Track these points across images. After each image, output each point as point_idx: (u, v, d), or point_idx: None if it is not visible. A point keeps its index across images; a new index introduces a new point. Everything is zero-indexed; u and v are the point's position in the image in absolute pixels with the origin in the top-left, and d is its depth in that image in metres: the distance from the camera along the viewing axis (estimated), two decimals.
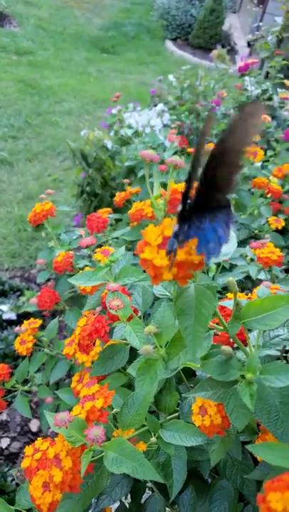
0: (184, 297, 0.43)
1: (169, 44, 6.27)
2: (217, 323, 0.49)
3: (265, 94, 2.07)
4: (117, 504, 0.81)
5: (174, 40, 6.44)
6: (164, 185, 1.40)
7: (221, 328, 0.48)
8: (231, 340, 0.52)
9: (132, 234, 1.08)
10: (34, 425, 1.55)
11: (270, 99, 2.12)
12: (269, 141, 1.73)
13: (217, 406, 0.59)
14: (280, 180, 1.49)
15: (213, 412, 0.59)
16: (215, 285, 0.43)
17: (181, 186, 0.46)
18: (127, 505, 0.79)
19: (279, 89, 2.19)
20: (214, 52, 3.23)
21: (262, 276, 0.95)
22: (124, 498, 0.79)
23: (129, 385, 0.78)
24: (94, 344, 0.64)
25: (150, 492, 0.78)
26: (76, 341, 0.64)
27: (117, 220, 1.53)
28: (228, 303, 0.54)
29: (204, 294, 0.42)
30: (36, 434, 1.52)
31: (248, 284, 1.17)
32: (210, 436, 0.59)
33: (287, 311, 0.45)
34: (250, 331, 0.54)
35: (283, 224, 1.25)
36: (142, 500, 0.77)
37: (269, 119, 1.79)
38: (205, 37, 6.04)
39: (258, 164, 1.30)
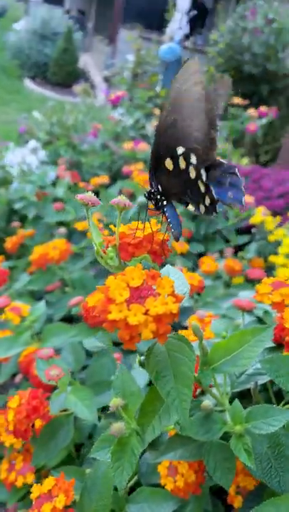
0: (154, 356, 0.37)
1: (28, 82, 6.23)
2: None
3: (138, 123, 2.13)
4: None
5: (33, 78, 6.42)
6: (62, 223, 1.29)
7: None
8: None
9: (37, 282, 0.97)
10: None
11: (143, 127, 2.20)
12: None
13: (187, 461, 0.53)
14: None
15: (185, 470, 0.52)
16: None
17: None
18: None
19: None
20: (79, 88, 3.30)
21: (189, 302, 0.93)
22: None
23: (73, 458, 0.67)
24: (33, 426, 0.53)
25: None
26: (11, 427, 0.52)
27: (11, 268, 1.39)
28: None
29: (178, 347, 0.36)
30: None
31: None
32: (185, 498, 0.53)
33: (256, 346, 0.42)
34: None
35: (186, 247, 1.27)
36: None
37: (146, 146, 1.84)
38: (62, 74, 6.15)
39: None
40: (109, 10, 7.36)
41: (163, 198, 0.40)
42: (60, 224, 1.20)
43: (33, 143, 2.24)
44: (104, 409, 0.65)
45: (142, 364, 0.42)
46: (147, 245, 0.36)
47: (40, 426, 0.53)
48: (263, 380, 0.46)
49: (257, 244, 1.69)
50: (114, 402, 0.39)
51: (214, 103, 0.36)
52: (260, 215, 1.73)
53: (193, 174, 0.38)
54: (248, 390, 0.52)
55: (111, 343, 0.66)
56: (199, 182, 0.38)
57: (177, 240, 0.40)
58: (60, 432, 0.56)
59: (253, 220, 1.71)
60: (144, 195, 0.41)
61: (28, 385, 0.75)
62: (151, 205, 0.41)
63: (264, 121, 2.38)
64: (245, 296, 0.75)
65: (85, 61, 6.98)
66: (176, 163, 0.38)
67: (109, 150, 1.92)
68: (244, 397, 0.53)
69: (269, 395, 0.53)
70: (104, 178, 1.18)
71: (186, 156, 0.37)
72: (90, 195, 0.35)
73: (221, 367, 0.42)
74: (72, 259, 1.12)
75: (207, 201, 0.39)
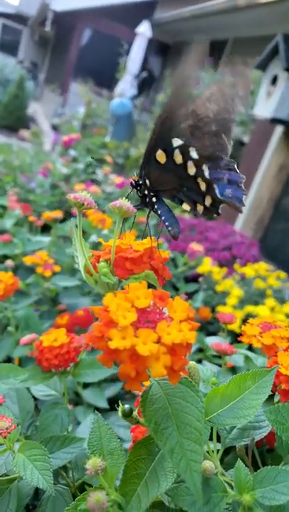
0: (151, 403, 0.29)
1: None
2: None
3: (90, 168, 2.11)
4: None
5: None
6: (5, 257, 1.17)
7: None
8: None
9: None
10: None
11: (94, 172, 2.19)
12: (104, 212, 1.73)
13: None
14: None
15: None
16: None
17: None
18: None
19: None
20: (30, 131, 3.30)
21: None
22: None
23: None
24: None
25: None
26: None
27: None
28: None
29: (179, 392, 0.29)
30: None
31: None
32: None
33: (258, 393, 0.35)
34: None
35: None
36: None
37: (100, 190, 1.81)
38: (11, 118, 6.16)
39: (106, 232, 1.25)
40: (62, 64, 7.63)
41: (152, 194, 0.35)
42: (4, 257, 1.09)
43: None
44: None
45: (125, 415, 0.34)
46: (148, 261, 0.29)
47: None
48: (259, 435, 0.39)
49: (204, 294, 1.68)
50: (94, 463, 0.29)
51: (229, 102, 0.33)
52: (208, 264, 1.74)
53: (192, 170, 0.34)
54: (233, 446, 0.45)
55: (66, 391, 0.56)
56: (199, 179, 0.34)
57: (176, 238, 0.35)
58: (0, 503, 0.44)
59: (200, 269, 1.70)
60: (131, 183, 0.36)
61: None
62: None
63: None
64: (213, 341, 0.69)
65: (35, 109, 7.07)
66: (169, 157, 0.34)
67: (60, 190, 1.86)
68: (227, 454, 0.45)
69: (254, 453, 0.46)
70: (57, 213, 1.11)
71: (184, 150, 0.33)
72: (85, 194, 0.28)
73: (218, 418, 0.35)
74: (15, 297, 1.01)
75: (208, 201, 0.34)
